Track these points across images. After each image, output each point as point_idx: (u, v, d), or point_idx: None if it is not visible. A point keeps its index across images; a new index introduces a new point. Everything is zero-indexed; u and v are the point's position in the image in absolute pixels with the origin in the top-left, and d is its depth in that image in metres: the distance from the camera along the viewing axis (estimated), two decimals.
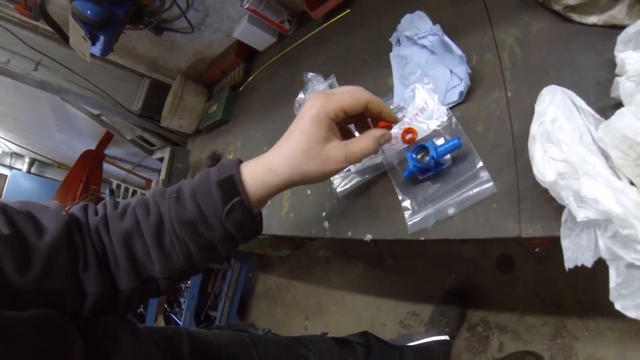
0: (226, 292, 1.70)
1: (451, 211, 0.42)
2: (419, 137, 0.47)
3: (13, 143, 2.60)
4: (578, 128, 0.31)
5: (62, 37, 0.93)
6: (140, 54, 1.17)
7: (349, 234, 0.53)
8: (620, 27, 0.34)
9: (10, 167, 3.15)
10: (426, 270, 1.17)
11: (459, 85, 0.46)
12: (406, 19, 0.56)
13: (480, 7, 0.49)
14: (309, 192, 0.63)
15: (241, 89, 1.05)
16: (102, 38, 0.84)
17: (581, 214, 0.28)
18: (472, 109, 0.45)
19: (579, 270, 0.30)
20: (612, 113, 0.29)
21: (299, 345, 0.62)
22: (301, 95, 0.67)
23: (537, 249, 0.89)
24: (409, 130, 0.47)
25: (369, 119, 0.43)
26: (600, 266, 0.29)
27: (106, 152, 2.02)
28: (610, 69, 0.34)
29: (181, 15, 0.94)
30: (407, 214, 0.46)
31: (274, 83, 0.91)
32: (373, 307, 1.28)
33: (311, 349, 0.62)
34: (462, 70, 0.45)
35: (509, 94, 0.42)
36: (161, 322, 1.62)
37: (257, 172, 0.37)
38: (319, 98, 0.37)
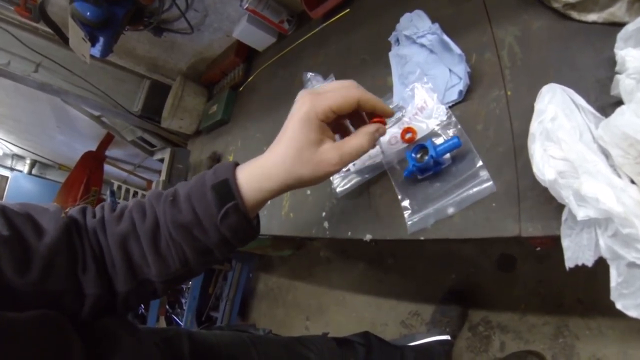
0: (227, 293, 1.70)
1: (451, 211, 0.42)
2: (419, 136, 0.47)
3: (14, 145, 2.60)
4: (578, 126, 0.31)
5: (62, 38, 0.94)
6: (140, 55, 1.17)
7: (349, 234, 0.53)
8: (620, 25, 0.34)
9: (12, 169, 3.16)
10: (426, 270, 1.17)
11: (458, 84, 0.45)
12: (405, 18, 0.56)
13: (479, 5, 0.49)
14: (308, 192, 0.63)
15: (241, 89, 1.05)
16: (101, 39, 0.84)
17: (581, 213, 0.28)
18: (472, 107, 0.45)
19: (580, 269, 0.30)
20: (613, 111, 0.29)
21: (300, 345, 0.62)
22: None
23: (539, 248, 0.89)
24: (408, 130, 0.47)
25: (364, 113, 0.42)
26: (601, 265, 0.29)
27: (107, 153, 2.03)
28: (610, 66, 0.34)
29: (181, 15, 0.94)
30: (406, 213, 0.46)
31: (273, 83, 0.91)
32: (374, 307, 1.28)
33: (312, 349, 0.62)
34: (461, 69, 0.45)
35: (509, 93, 0.42)
36: (163, 323, 1.62)
37: (253, 176, 0.36)
38: (307, 99, 0.36)
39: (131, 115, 1.27)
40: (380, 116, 0.40)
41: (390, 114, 0.40)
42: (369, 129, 0.39)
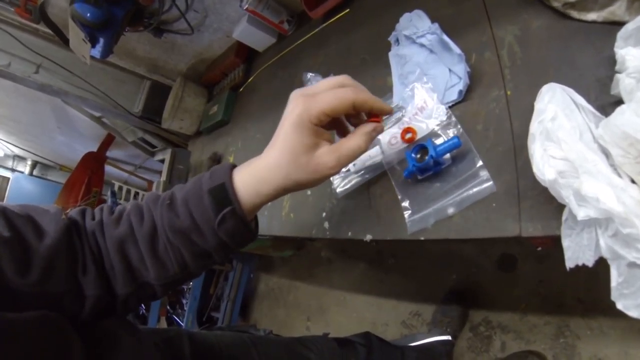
0: (228, 293, 1.70)
1: (451, 211, 0.42)
2: (418, 136, 0.47)
3: (15, 146, 2.61)
4: (578, 126, 0.31)
5: (62, 39, 0.94)
6: (140, 56, 1.18)
7: (349, 234, 0.53)
8: (620, 24, 0.34)
9: (13, 170, 3.16)
10: (427, 270, 1.17)
11: (458, 84, 0.45)
12: (405, 18, 0.56)
13: (479, 5, 0.49)
14: (308, 192, 0.63)
15: (241, 89, 1.05)
16: (101, 40, 0.84)
17: (582, 213, 0.27)
18: (472, 107, 0.45)
19: (580, 269, 0.30)
20: (613, 110, 0.29)
21: (300, 345, 0.62)
22: None
23: (539, 248, 0.89)
24: (408, 130, 0.47)
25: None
26: (602, 265, 0.29)
27: (108, 154, 2.03)
28: (610, 66, 0.34)
29: (180, 16, 0.94)
30: (406, 213, 0.45)
31: (273, 83, 0.91)
32: (374, 307, 1.28)
33: (312, 350, 0.62)
34: (461, 69, 0.45)
35: (509, 93, 0.42)
36: (163, 324, 1.62)
37: (250, 179, 0.36)
38: (300, 101, 0.35)
39: (132, 116, 1.27)
40: (377, 116, 0.39)
41: (387, 112, 0.39)
42: (366, 128, 0.37)
